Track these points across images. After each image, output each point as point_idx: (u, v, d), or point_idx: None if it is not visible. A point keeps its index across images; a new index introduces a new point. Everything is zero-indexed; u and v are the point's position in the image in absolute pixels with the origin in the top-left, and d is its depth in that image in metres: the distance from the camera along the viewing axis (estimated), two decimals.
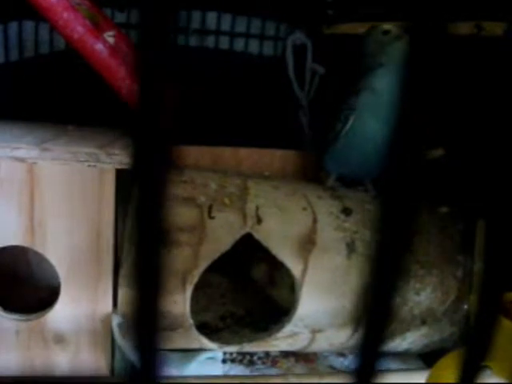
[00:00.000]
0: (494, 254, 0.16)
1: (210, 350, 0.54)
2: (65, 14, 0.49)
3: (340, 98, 0.62)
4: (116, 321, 0.49)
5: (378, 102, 0.57)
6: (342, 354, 0.60)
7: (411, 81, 0.12)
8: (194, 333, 0.51)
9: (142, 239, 0.14)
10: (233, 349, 0.55)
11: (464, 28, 0.61)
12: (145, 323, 0.14)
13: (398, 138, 0.13)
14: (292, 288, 0.54)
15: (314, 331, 0.53)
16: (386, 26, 0.59)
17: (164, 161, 0.13)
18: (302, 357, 0.59)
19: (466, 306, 0.55)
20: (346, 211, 0.55)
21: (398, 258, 0.13)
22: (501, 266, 0.16)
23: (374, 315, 0.14)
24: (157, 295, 0.14)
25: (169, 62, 0.13)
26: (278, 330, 0.53)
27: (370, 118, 0.58)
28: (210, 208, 0.52)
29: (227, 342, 0.55)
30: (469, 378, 0.19)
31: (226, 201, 0.53)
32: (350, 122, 0.59)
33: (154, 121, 0.13)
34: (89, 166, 0.46)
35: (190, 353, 0.54)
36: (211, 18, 0.73)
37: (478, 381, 0.19)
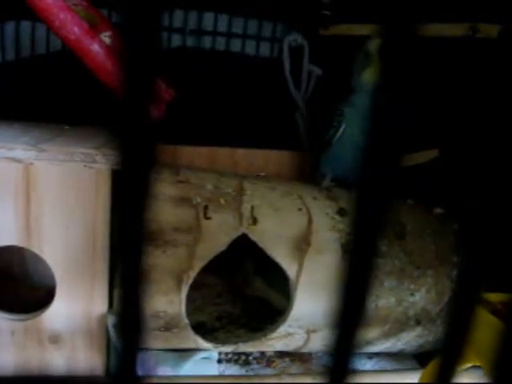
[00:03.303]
0: (470, 255, 0.16)
1: (205, 349, 0.54)
2: (61, 15, 0.49)
3: (334, 102, 0.63)
4: (111, 320, 0.49)
5: (362, 118, 0.59)
6: None
7: (384, 83, 0.13)
8: (190, 333, 0.51)
9: (124, 238, 0.14)
10: (228, 349, 0.55)
11: (459, 30, 0.61)
12: (129, 323, 0.14)
13: (372, 137, 0.13)
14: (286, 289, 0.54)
15: (309, 331, 0.54)
16: (371, 45, 0.58)
17: (147, 159, 0.13)
18: (297, 357, 0.59)
19: None
20: (341, 212, 0.56)
21: (368, 257, 0.14)
22: (478, 266, 0.16)
23: (347, 314, 0.14)
24: (141, 294, 0.14)
25: (152, 60, 0.13)
26: (273, 330, 0.53)
27: (359, 126, 0.59)
28: (206, 208, 0.52)
29: (223, 342, 0.55)
30: (446, 379, 0.19)
31: (222, 201, 0.53)
32: (341, 129, 0.60)
33: (138, 118, 0.13)
34: (85, 166, 0.46)
35: (186, 352, 0.54)
36: (208, 18, 0.73)
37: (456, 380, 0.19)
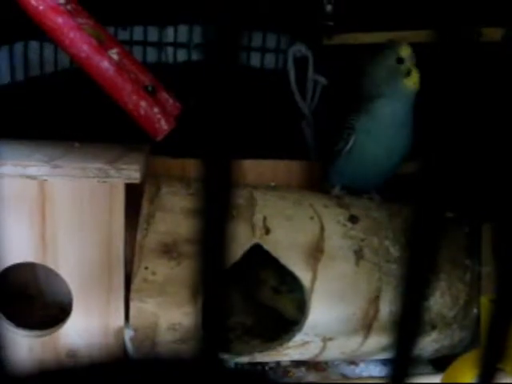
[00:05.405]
0: (507, 256, 0.16)
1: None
2: (71, 34, 0.50)
3: (342, 112, 0.63)
4: (128, 334, 0.49)
5: (378, 127, 0.59)
6: (353, 362, 0.60)
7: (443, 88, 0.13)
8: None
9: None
10: (244, 359, 0.55)
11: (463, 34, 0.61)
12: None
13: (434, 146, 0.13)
14: (298, 297, 0.54)
15: (325, 339, 0.54)
16: (403, 51, 0.57)
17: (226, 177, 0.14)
18: (313, 366, 0.59)
19: (475, 311, 0.56)
20: (353, 219, 0.56)
21: (429, 266, 0.14)
22: None
23: (408, 321, 0.15)
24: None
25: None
26: (289, 339, 0.53)
27: (369, 141, 0.59)
28: None
29: (238, 353, 0.55)
30: (487, 379, 0.19)
31: (234, 212, 0.53)
32: (351, 143, 0.60)
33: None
34: (98, 181, 0.47)
35: None
36: None
37: (496, 381, 0.19)
